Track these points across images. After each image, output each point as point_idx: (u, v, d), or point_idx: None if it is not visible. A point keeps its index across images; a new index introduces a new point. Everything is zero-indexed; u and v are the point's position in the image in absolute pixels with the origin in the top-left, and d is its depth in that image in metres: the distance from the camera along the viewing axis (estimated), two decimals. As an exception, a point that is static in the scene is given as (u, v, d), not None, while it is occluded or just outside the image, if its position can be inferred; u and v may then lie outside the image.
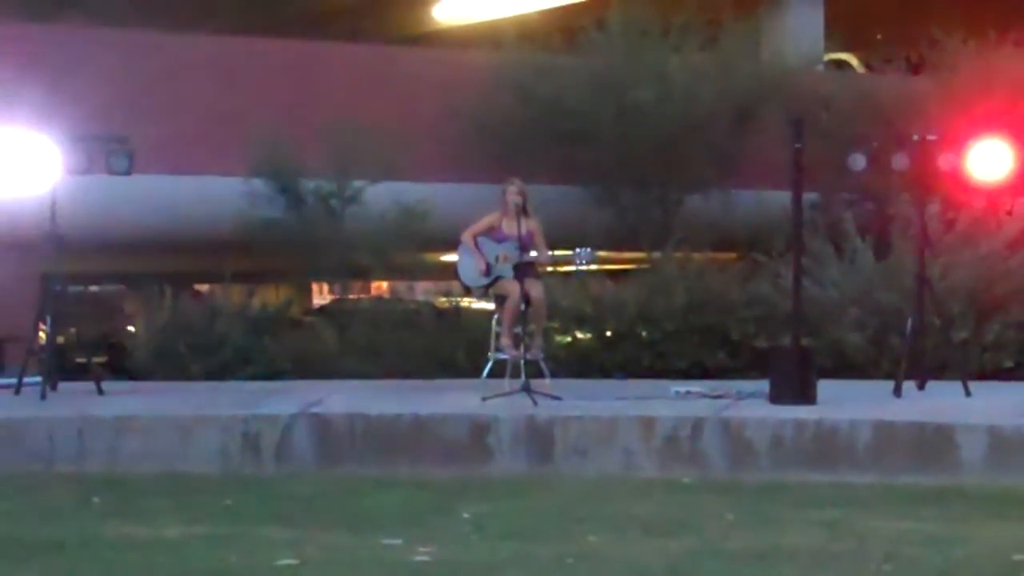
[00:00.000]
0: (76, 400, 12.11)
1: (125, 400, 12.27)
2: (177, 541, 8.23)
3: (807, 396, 11.34)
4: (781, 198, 12.83)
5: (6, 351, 15.47)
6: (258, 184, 16.50)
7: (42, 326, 12.62)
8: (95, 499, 9.60)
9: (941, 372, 12.51)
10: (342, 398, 12.11)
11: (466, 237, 12.62)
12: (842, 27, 23.73)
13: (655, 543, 8.07)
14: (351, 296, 19.47)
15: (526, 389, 11.59)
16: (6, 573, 7.33)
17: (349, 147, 16.11)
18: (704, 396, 12.02)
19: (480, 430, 10.95)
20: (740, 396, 11.86)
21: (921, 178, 12.70)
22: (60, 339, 13.07)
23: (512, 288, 12.29)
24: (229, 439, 11.05)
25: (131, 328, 16.69)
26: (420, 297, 23.52)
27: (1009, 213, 14.88)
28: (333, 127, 16.02)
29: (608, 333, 15.03)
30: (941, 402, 11.49)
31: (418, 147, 16.56)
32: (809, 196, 14.18)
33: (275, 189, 16.65)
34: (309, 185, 16.75)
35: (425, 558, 7.72)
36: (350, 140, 15.99)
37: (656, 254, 16.25)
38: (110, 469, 10.80)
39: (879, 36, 26.22)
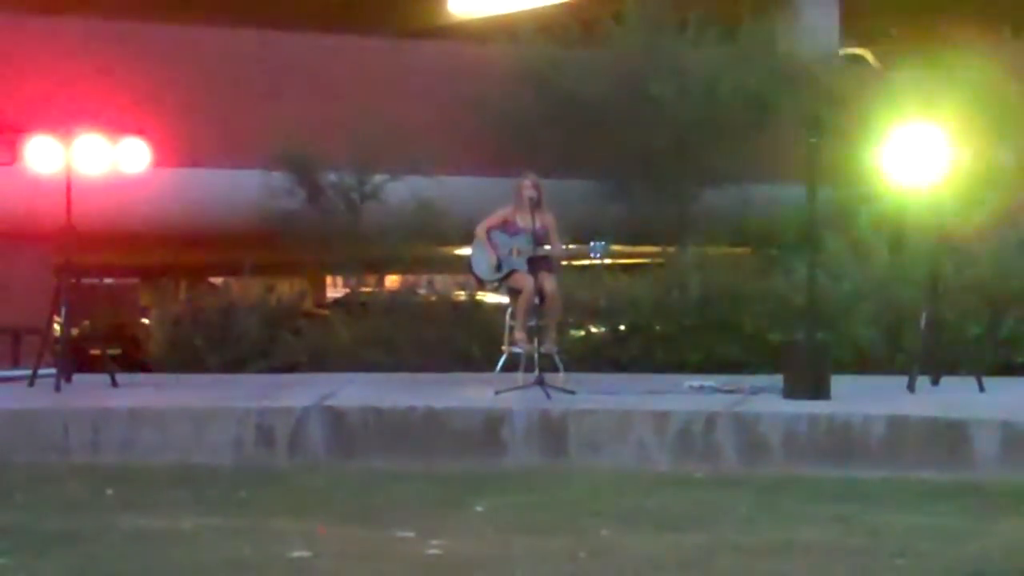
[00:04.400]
0: (90, 392, 12.14)
1: (139, 392, 12.29)
2: (191, 533, 8.25)
3: (821, 391, 11.33)
4: (796, 193, 12.83)
5: (21, 343, 15.52)
6: (277, 177, 16.53)
7: (57, 318, 12.65)
8: (109, 491, 9.62)
9: (955, 367, 12.49)
10: (356, 391, 12.13)
11: (480, 231, 12.61)
12: (857, 22, 23.71)
13: (668, 537, 8.08)
14: (365, 289, 19.51)
15: (540, 383, 11.59)
16: (21, 564, 7.35)
17: (367, 141, 16.14)
18: (718, 391, 12.02)
19: (494, 423, 10.96)
20: (754, 391, 11.86)
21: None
22: (75, 331, 13.08)
23: (526, 282, 12.29)
24: (243, 431, 11.06)
25: (146, 320, 16.72)
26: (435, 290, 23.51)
27: None
28: (350, 121, 16.05)
29: (622, 327, 15.02)
30: (955, 397, 11.48)
31: (434, 141, 16.57)
32: (824, 191, 14.16)
33: (294, 182, 16.69)
34: (329, 178, 16.79)
35: (438, 551, 7.73)
36: (368, 134, 16.02)
37: (671, 248, 16.24)
38: (124, 461, 10.82)
39: (894, 31, 26.17)
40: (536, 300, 12.19)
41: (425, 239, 16.91)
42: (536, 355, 11.95)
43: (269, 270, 20.70)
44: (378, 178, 16.71)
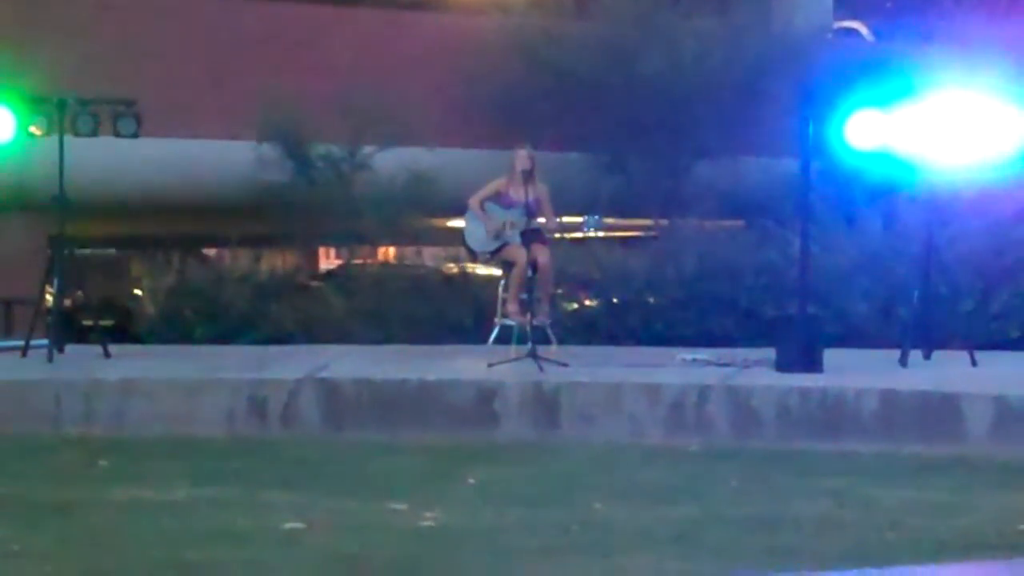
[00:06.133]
0: (83, 363, 12.12)
1: (132, 363, 12.28)
2: (184, 504, 8.26)
3: (813, 364, 11.33)
4: (790, 166, 12.82)
5: (13, 313, 15.51)
6: (267, 149, 16.50)
7: (49, 289, 12.64)
8: (102, 462, 9.63)
9: (948, 342, 12.49)
10: (348, 363, 12.12)
11: (473, 202, 12.61)
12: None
13: (661, 510, 8.09)
14: (358, 261, 19.50)
15: (533, 355, 11.58)
16: (14, 535, 7.35)
17: (359, 112, 16.12)
18: (711, 364, 12.01)
19: (486, 396, 10.96)
20: (747, 364, 11.85)
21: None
22: (67, 302, 13.06)
23: (519, 254, 12.29)
24: (236, 403, 11.06)
25: (138, 292, 16.70)
26: (428, 263, 23.49)
27: None
28: (343, 92, 16.02)
29: (615, 300, 15.02)
30: (947, 371, 11.49)
31: (427, 112, 16.55)
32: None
33: (284, 154, 16.66)
34: (319, 150, 16.76)
35: (430, 523, 7.74)
36: (360, 105, 15.99)
37: (664, 221, 16.24)
38: (117, 432, 10.82)
39: (888, 4, 26.13)
40: (529, 272, 12.19)
41: (417, 210, 16.89)
42: (529, 327, 11.95)
43: (263, 242, 20.68)
44: (368, 149, 16.68)
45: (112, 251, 23.03)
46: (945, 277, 12.52)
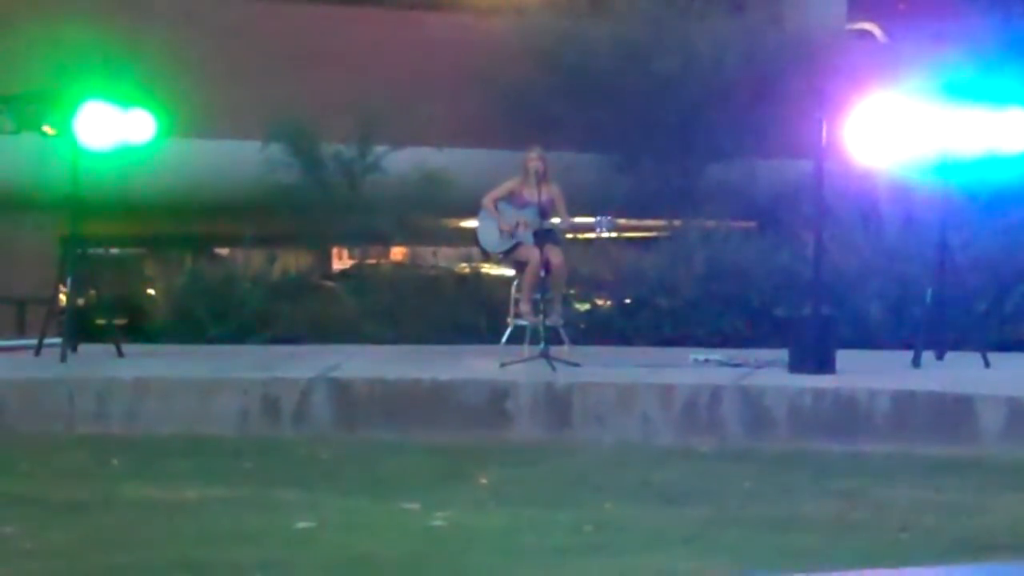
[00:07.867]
0: (96, 362, 12.14)
1: (145, 362, 12.29)
2: (196, 503, 8.27)
3: (826, 365, 11.32)
4: (804, 167, 12.78)
5: (27, 313, 15.51)
6: (275, 150, 16.49)
7: (62, 288, 12.65)
8: (115, 461, 9.64)
9: (961, 343, 12.48)
10: (361, 362, 12.13)
11: (486, 202, 12.62)
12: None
13: (672, 511, 8.09)
14: (370, 261, 19.50)
15: (545, 355, 11.59)
16: (27, 533, 7.36)
17: (372, 113, 16.11)
18: (723, 364, 12.02)
19: (499, 396, 10.96)
20: (759, 364, 11.85)
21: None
22: (80, 301, 13.09)
23: (532, 254, 12.30)
24: (248, 402, 11.07)
25: (151, 291, 16.70)
26: (441, 263, 23.46)
27: None
28: (355, 92, 16.01)
29: (627, 300, 15.01)
30: (960, 372, 11.48)
31: (439, 113, 16.54)
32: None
33: (292, 155, 16.64)
34: (328, 150, 16.75)
35: (442, 523, 7.74)
36: (373, 106, 15.99)
37: (676, 222, 16.22)
38: (130, 431, 10.84)
39: (901, 6, 26.09)
40: (542, 272, 12.19)
41: (429, 211, 16.88)
42: (541, 328, 11.96)
43: (275, 241, 20.71)
44: (379, 149, 16.67)
45: (126, 250, 23.02)
46: (958, 278, 12.51)
